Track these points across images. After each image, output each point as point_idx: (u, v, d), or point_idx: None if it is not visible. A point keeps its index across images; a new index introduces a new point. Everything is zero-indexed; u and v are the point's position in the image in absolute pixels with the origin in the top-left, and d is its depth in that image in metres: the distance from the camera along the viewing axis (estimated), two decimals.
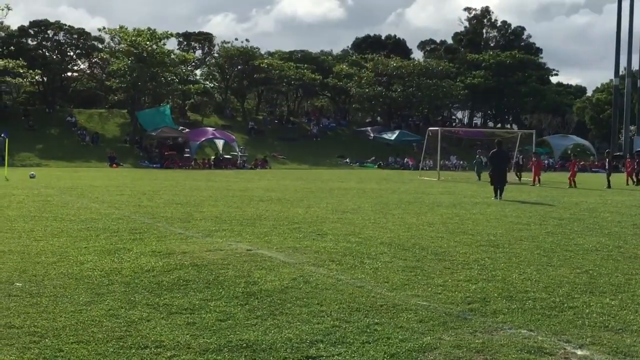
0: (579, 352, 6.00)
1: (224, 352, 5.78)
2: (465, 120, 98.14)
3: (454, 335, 6.40)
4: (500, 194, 23.91)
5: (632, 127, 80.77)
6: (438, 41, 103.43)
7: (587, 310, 7.40)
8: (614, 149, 77.27)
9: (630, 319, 7.12)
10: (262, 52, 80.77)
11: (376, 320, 6.84)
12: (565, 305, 7.65)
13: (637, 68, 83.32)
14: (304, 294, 7.91)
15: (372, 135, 73.58)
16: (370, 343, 6.10)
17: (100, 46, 70.95)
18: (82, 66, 74.93)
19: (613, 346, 6.16)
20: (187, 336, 6.21)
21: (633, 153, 66.88)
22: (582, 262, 10.53)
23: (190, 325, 6.59)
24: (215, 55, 78.30)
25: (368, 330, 6.49)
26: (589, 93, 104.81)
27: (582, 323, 6.91)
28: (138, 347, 5.88)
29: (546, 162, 64.91)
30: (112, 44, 69.63)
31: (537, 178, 36.48)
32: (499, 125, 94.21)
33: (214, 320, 6.76)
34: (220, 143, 60.62)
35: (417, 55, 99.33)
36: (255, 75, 74.74)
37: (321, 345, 6.02)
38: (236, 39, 78.42)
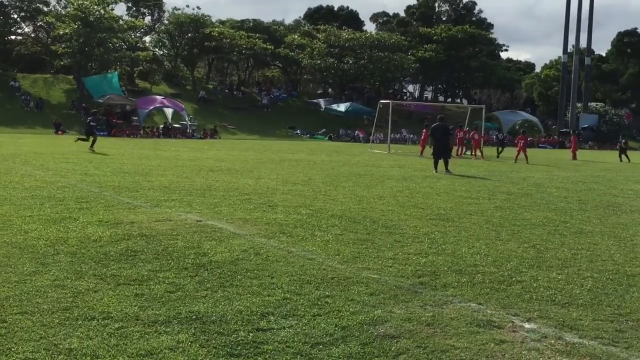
0: (526, 325, 6.07)
1: (173, 324, 5.69)
2: (416, 94, 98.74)
3: (405, 308, 6.42)
4: (446, 167, 24.07)
5: (578, 104, 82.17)
6: (391, 14, 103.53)
7: (535, 285, 7.50)
8: (560, 125, 78.77)
9: (576, 293, 7.23)
10: (214, 20, 79.65)
11: (327, 293, 6.82)
12: (514, 279, 7.74)
13: (585, 45, 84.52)
14: (254, 266, 7.84)
15: (323, 106, 73.41)
16: (321, 316, 6.08)
17: (45, 9, 68.95)
18: (26, 29, 73.05)
19: (560, 319, 6.25)
20: (135, 308, 6.10)
21: (577, 130, 68.21)
22: (530, 237, 10.67)
23: (138, 296, 6.48)
24: (165, 22, 76.94)
25: (319, 303, 6.46)
26: (538, 69, 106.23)
27: (529, 297, 7.00)
28: (85, 319, 5.75)
29: (495, 136, 65.69)
30: (58, 7, 67.99)
31: (477, 151, 37.22)
32: (449, 99, 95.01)
33: (163, 291, 6.66)
34: (169, 112, 59.85)
35: (370, 27, 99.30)
36: (205, 44, 73.76)
37: (272, 317, 5.98)
38: (187, 6, 77.68)
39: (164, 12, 77.41)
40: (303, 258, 8.40)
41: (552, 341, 5.65)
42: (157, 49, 78.33)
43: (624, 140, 42.38)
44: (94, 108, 46.53)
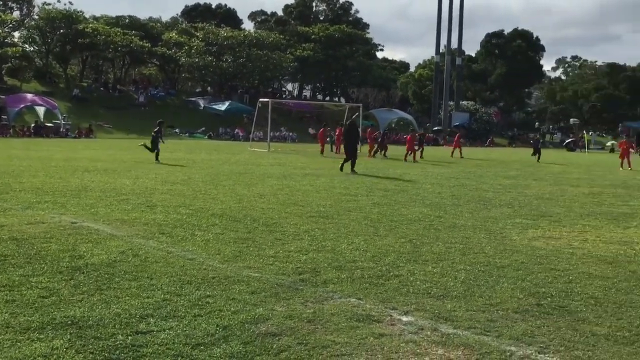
0: (404, 318, 6.24)
1: (47, 330, 5.49)
2: (295, 93, 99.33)
3: (286, 305, 6.46)
4: (352, 168, 23.87)
5: (451, 103, 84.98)
6: (269, 12, 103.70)
7: (412, 278, 7.71)
8: (433, 123, 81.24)
9: (450, 285, 7.49)
10: (87, 16, 77.22)
11: (208, 293, 6.76)
12: (391, 273, 7.93)
13: (456, 46, 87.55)
14: (132, 268, 7.68)
15: (202, 105, 72.68)
16: (202, 316, 6.02)
17: None
18: None
19: (435, 311, 6.46)
20: (6, 314, 5.85)
21: (450, 128, 70.56)
22: (406, 232, 10.96)
23: (9, 302, 6.21)
24: (35, 17, 73.91)
25: (200, 303, 6.40)
26: (412, 69, 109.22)
27: (407, 290, 7.19)
28: None
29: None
30: None
31: (371, 151, 37.69)
32: (327, 98, 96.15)
33: (36, 296, 6.41)
34: (41, 110, 57.53)
35: (248, 26, 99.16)
36: (79, 40, 71.39)
37: (151, 319, 5.87)
38: (58, 1, 74.41)
39: (34, 7, 74.40)
40: (183, 258, 8.29)
41: (428, 333, 5.83)
42: (27, 45, 75.12)
43: (540, 140, 43.48)
44: None
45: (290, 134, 65.85)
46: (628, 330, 6.06)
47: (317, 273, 7.81)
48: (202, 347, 5.27)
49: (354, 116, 27.46)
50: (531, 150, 41.39)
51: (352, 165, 24.04)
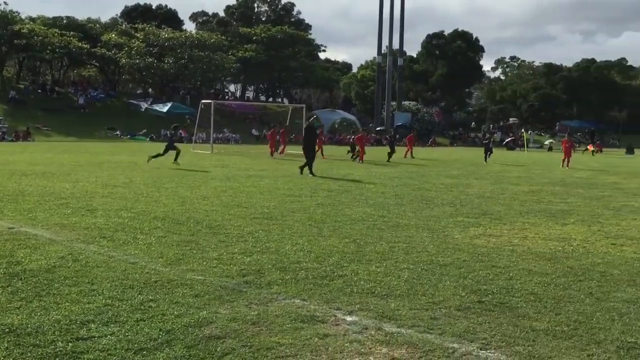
0: (348, 318, 6.26)
1: None
2: (238, 94, 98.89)
3: (230, 308, 6.42)
4: (310, 169, 23.53)
5: (393, 103, 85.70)
6: (210, 13, 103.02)
7: (356, 278, 7.75)
8: (376, 124, 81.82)
9: (394, 284, 7.55)
10: (23, 17, 75.43)
11: (150, 297, 6.68)
12: (336, 274, 7.95)
13: (398, 47, 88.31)
14: (73, 273, 7.53)
15: (143, 107, 71.75)
16: (144, 320, 5.95)
17: None
18: None
19: (379, 311, 6.50)
20: None
21: (393, 128, 71.15)
22: (350, 232, 11.01)
23: None
24: None
25: (142, 308, 6.32)
26: (355, 70, 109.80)
27: (351, 290, 7.22)
28: None
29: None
30: None
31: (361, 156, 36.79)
32: (270, 99, 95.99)
33: None
34: None
35: (189, 26, 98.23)
36: (15, 42, 69.66)
37: (92, 325, 5.77)
38: None
39: None
40: (125, 262, 8.17)
41: (373, 332, 5.86)
42: None
43: (492, 140, 43.39)
44: None
45: (234, 135, 65.45)
46: (566, 325, 6.20)
47: (261, 275, 7.79)
48: (144, 352, 5.20)
49: (311, 119, 27.21)
50: (480, 151, 40.60)
51: (310, 168, 23.59)
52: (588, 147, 61.05)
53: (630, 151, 65.14)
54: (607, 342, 5.77)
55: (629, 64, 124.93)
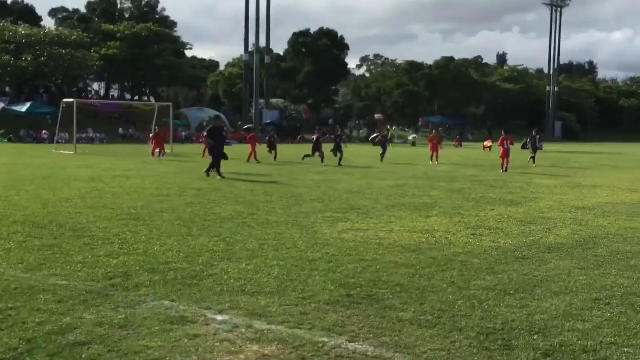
0: (219, 317, 6.23)
1: None
2: (102, 93, 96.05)
3: (96, 312, 6.24)
4: (218, 170, 22.18)
5: (261, 101, 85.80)
6: (71, 10, 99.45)
7: (226, 277, 7.72)
8: (245, 122, 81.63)
9: (264, 281, 7.57)
10: None
11: (10, 305, 6.39)
12: (205, 273, 7.89)
13: (265, 45, 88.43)
14: None
15: (0, 107, 68.38)
16: (3, 330, 5.68)
17: None
18: None
19: (250, 308, 6.50)
20: None
21: (255, 126, 71.22)
22: (220, 231, 10.95)
23: None
24: None
25: (1, 317, 6.04)
26: (222, 68, 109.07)
27: (221, 289, 7.19)
28: None
29: (184, 134, 66.35)
30: None
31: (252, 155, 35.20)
32: (136, 97, 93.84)
33: None
34: None
35: (49, 23, 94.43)
36: None
37: None
38: None
39: None
40: None
41: (243, 330, 5.86)
42: None
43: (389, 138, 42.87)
44: None
45: (99, 135, 63.51)
46: (431, 314, 6.42)
47: (129, 277, 7.61)
48: None
49: (217, 119, 25.71)
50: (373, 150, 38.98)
51: (217, 169, 22.18)
52: (484, 143, 57.67)
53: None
54: (469, 328, 6.02)
55: (484, 62, 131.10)
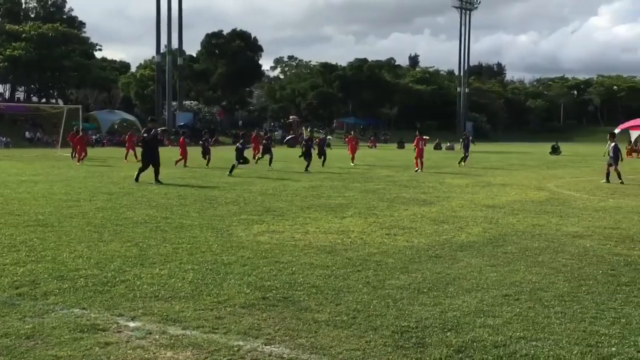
0: (131, 324, 6.08)
1: None
2: (7, 95, 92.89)
3: (1, 323, 6.01)
4: (137, 175, 21.40)
5: (174, 103, 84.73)
6: None
7: (138, 282, 7.56)
8: (158, 124, 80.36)
9: (178, 286, 7.45)
10: None
11: None
12: (117, 279, 7.71)
13: (177, 46, 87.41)
14: None
15: None
16: None
17: None
18: None
19: (164, 314, 6.38)
20: None
21: (177, 129, 70.27)
22: (132, 235, 10.73)
23: None
24: None
25: None
26: (134, 69, 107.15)
27: (133, 295, 7.03)
28: None
29: (94, 137, 64.83)
30: None
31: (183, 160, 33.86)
32: (43, 100, 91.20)
33: None
34: None
35: None
36: None
37: None
38: None
39: None
40: None
41: (157, 336, 5.74)
42: None
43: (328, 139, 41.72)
44: None
45: (3, 138, 61.45)
46: (346, 314, 6.45)
47: (37, 285, 7.36)
48: None
49: (154, 123, 24.15)
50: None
51: (141, 172, 21.40)
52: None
53: (400, 145, 69.22)
54: (383, 327, 6.07)
55: (397, 63, 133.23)
